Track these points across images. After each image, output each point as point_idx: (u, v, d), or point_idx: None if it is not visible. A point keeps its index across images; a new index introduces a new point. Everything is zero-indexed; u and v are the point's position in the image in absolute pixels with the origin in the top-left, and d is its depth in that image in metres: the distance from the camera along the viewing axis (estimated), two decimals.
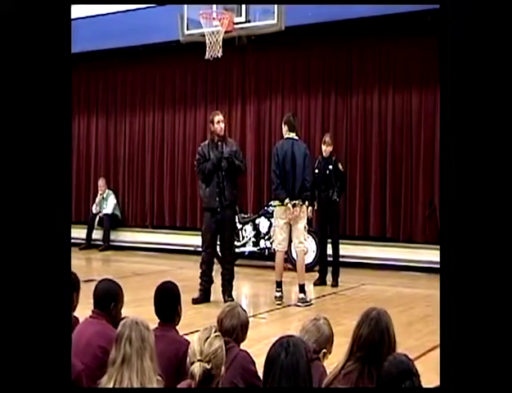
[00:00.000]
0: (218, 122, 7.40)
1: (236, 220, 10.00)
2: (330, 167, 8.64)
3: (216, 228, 7.43)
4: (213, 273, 7.53)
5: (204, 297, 7.43)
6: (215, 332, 2.85)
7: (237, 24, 8.92)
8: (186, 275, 8.68)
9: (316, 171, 8.51)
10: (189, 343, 3.10)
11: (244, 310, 3.70)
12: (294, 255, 8.24)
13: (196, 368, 2.71)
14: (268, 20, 8.78)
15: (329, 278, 8.69)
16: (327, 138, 8.81)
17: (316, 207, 8.70)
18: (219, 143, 7.42)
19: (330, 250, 8.80)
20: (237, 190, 7.66)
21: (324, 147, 8.71)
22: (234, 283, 7.54)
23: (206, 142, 7.58)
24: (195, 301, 7.30)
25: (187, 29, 9.37)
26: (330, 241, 8.81)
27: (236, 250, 9.95)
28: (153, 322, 3.40)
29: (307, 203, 7.66)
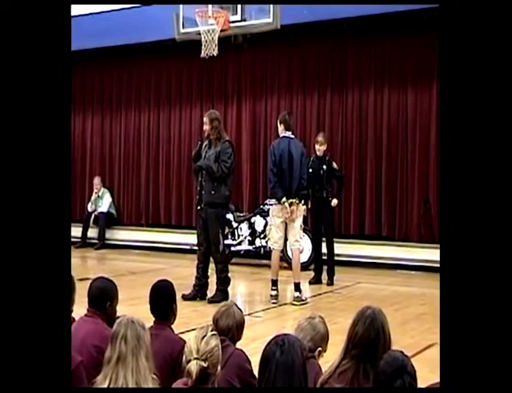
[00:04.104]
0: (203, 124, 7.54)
1: (232, 219, 10.06)
2: (324, 167, 8.64)
3: (203, 226, 7.48)
4: (210, 272, 7.53)
5: (195, 294, 7.42)
6: (212, 330, 2.86)
7: (233, 22, 8.91)
8: (182, 273, 8.67)
9: (310, 170, 8.49)
10: (184, 342, 3.10)
11: (240, 310, 3.69)
12: (290, 254, 8.25)
13: (193, 366, 2.71)
14: (264, 18, 8.77)
15: (324, 277, 8.70)
16: (320, 138, 8.82)
17: (309, 206, 8.69)
18: (209, 143, 7.51)
19: (325, 249, 8.82)
20: (219, 190, 7.35)
21: (317, 147, 8.72)
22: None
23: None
24: (184, 297, 7.26)
25: (183, 28, 9.35)
26: (324, 239, 8.84)
27: (232, 248, 9.99)
28: (148, 320, 3.40)
29: (303, 202, 7.67)
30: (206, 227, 7.44)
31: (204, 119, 7.62)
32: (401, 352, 2.58)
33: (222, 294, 7.29)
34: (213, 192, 7.35)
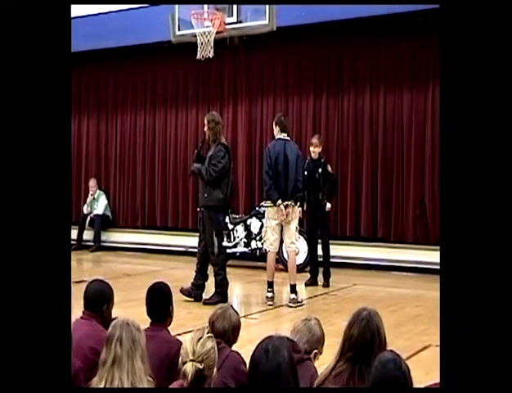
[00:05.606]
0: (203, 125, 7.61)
1: (228, 221, 10.05)
2: (320, 170, 8.64)
3: (202, 228, 7.56)
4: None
5: (190, 292, 7.42)
6: (208, 332, 2.85)
7: (229, 24, 8.91)
8: (178, 275, 8.67)
9: (306, 173, 8.48)
10: (181, 343, 3.10)
11: (237, 312, 3.69)
12: (286, 256, 8.25)
13: (189, 368, 2.71)
14: (260, 20, 8.78)
15: (320, 279, 8.71)
16: (314, 140, 8.83)
17: (305, 208, 8.69)
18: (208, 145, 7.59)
19: (321, 251, 8.83)
20: (212, 193, 7.34)
21: (312, 149, 8.74)
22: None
23: None
24: (182, 290, 7.31)
25: (179, 30, 9.35)
26: (320, 241, 8.84)
27: (228, 250, 9.96)
28: (144, 322, 3.40)
29: (298, 204, 7.67)
30: (204, 228, 7.47)
31: (204, 120, 7.67)
32: (392, 352, 2.54)
33: (218, 296, 7.26)
34: (205, 195, 7.39)
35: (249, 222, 10.09)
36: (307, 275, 8.79)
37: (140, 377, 2.74)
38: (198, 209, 7.71)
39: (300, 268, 8.70)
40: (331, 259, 8.84)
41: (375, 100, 10.17)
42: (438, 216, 8.82)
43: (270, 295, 7.52)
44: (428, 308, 7.02)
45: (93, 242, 12.10)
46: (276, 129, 7.72)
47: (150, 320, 3.71)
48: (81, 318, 3.66)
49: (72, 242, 11.85)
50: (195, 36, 8.87)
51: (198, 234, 7.76)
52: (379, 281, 9.18)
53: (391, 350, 2.55)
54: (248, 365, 2.61)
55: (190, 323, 5.77)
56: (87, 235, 12.23)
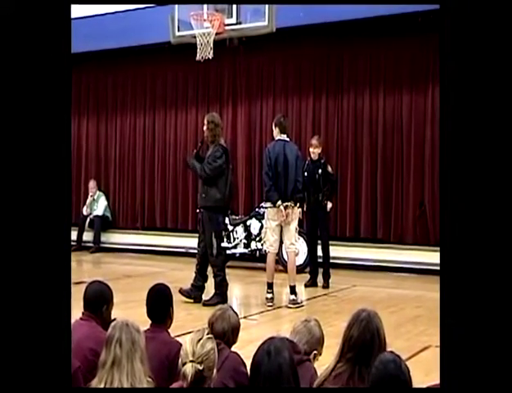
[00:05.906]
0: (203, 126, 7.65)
1: (227, 222, 10.05)
2: (320, 171, 8.64)
3: (202, 228, 7.57)
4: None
5: (189, 294, 7.41)
6: (207, 334, 2.85)
7: (228, 25, 8.91)
8: (177, 277, 8.66)
9: (306, 174, 8.47)
10: (181, 345, 3.10)
11: (236, 313, 3.69)
12: (285, 257, 8.25)
13: (188, 369, 2.71)
14: (259, 21, 8.78)
15: (320, 280, 8.70)
16: (314, 141, 8.83)
17: (305, 209, 8.69)
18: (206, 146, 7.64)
19: (320, 252, 8.83)
20: (209, 193, 7.35)
21: (311, 150, 8.74)
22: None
23: None
24: (181, 291, 7.30)
25: (178, 31, 9.35)
26: (320, 242, 8.84)
27: (227, 251, 9.96)
28: (143, 324, 3.40)
29: (298, 205, 7.67)
30: (204, 229, 7.47)
31: (204, 120, 7.69)
32: (392, 352, 2.54)
33: (217, 297, 7.25)
34: (203, 196, 7.41)
35: (248, 223, 10.09)
36: (307, 276, 8.78)
37: (139, 379, 2.73)
38: (198, 210, 7.71)
39: (300, 269, 8.69)
40: (331, 260, 8.84)
41: (374, 101, 10.17)
42: (438, 217, 8.82)
43: (269, 296, 7.52)
44: (427, 309, 7.02)
45: (93, 243, 12.10)
46: (276, 130, 7.72)
47: (150, 321, 3.70)
48: (80, 319, 3.66)
49: (72, 243, 11.84)
50: (195, 37, 8.87)
51: (198, 235, 7.77)
52: (378, 282, 9.17)
53: (391, 351, 2.55)
54: (249, 366, 2.61)
55: (189, 325, 5.76)
56: (87, 236, 12.22)
